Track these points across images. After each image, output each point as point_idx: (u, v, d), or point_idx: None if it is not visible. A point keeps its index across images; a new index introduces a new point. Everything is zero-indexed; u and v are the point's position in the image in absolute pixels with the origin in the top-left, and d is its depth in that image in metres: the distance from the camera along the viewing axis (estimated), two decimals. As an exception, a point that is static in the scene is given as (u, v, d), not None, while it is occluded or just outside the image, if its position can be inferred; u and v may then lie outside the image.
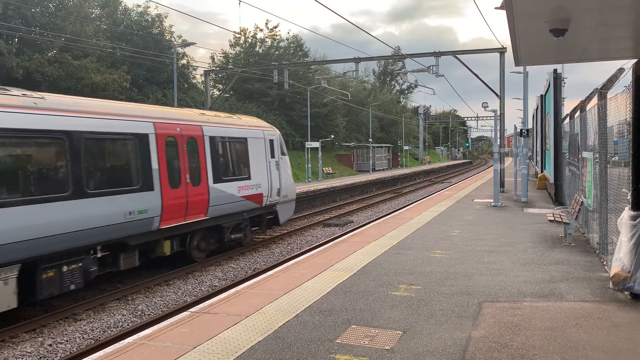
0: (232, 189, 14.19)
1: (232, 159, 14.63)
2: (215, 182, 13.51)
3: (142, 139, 11.37)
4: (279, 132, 17.56)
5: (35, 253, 8.95)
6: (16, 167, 8.96)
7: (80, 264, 9.88)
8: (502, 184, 25.12)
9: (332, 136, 54.29)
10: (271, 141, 16.39)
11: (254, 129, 15.86)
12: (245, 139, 15.19)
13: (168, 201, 11.78)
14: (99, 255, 10.37)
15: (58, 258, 9.45)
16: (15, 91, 9.45)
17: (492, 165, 22.64)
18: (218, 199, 13.55)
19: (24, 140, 9.06)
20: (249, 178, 14.97)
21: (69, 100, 10.54)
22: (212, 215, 13.41)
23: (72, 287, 9.77)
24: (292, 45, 60.80)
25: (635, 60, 7.40)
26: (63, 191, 9.49)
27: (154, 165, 11.55)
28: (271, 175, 16.04)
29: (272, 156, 16.33)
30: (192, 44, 35.04)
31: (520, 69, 30.64)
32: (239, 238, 15.00)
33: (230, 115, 16.42)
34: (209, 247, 13.84)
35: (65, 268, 9.56)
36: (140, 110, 12.03)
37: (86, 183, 9.97)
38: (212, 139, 13.65)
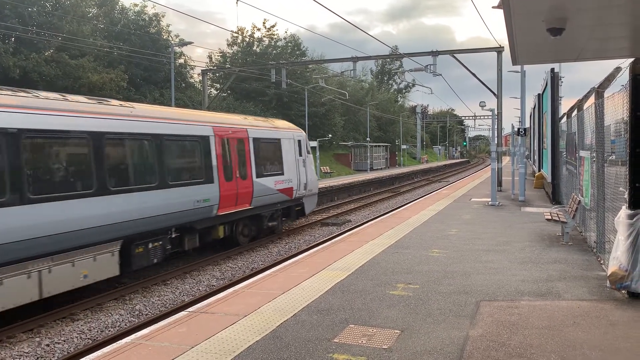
0: (270, 183, 16.33)
1: (269, 157, 16.68)
2: (257, 177, 15.67)
3: (206, 140, 13.64)
4: (304, 133, 19.72)
5: (131, 232, 10.95)
6: (120, 163, 11.14)
7: (160, 242, 11.94)
8: (499, 183, 25.14)
9: (330, 135, 54.31)
10: (299, 141, 18.52)
11: (285, 130, 18.09)
12: (279, 139, 17.29)
13: (224, 192, 13.97)
14: (173, 236, 12.37)
15: (146, 237, 11.46)
16: (114, 102, 11.87)
17: (490, 165, 22.66)
18: (260, 191, 15.69)
19: (125, 141, 11.21)
20: (282, 174, 17.08)
21: (152, 109, 13.14)
22: (255, 205, 15.58)
23: (155, 260, 11.80)
24: (289, 44, 60.82)
25: (632, 59, 7.40)
26: (152, 182, 11.64)
27: (214, 162, 13.75)
28: (299, 172, 18.14)
29: (300, 154, 18.39)
30: (190, 43, 34.97)
31: (518, 68, 30.70)
32: (274, 226, 17.13)
33: (266, 119, 18.92)
34: (250, 233, 15.96)
35: (150, 245, 11.62)
36: (203, 116, 14.48)
37: (167, 176, 12.08)
38: (255, 140, 15.85)
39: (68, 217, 9.48)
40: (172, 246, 12.45)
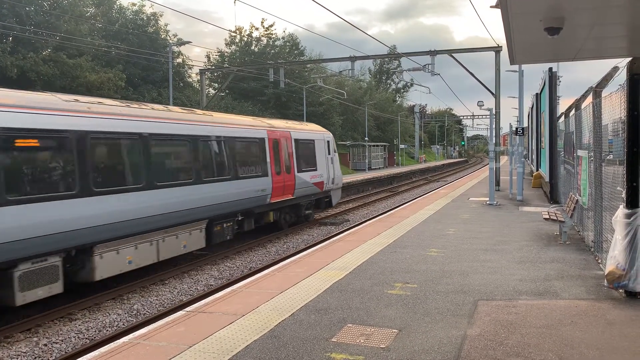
0: (307, 177, 19.07)
1: (306, 155, 19.33)
2: (298, 171, 18.48)
3: (262, 141, 16.53)
4: (332, 135, 22.35)
5: (213, 214, 13.68)
6: (208, 158, 13.96)
7: (231, 223, 14.67)
8: (497, 183, 25.16)
9: (328, 135, 54.19)
10: (328, 142, 21.23)
11: (317, 132, 20.99)
12: (313, 140, 20.06)
13: (275, 184, 16.77)
14: (239, 218, 15.15)
15: (222, 219, 14.16)
16: (198, 111, 15.09)
17: (488, 164, 22.68)
18: (299, 184, 18.42)
19: (209, 142, 14.05)
20: (316, 169, 19.83)
21: (226, 116, 16.63)
22: (296, 195, 18.33)
23: (227, 237, 14.59)
24: (287, 44, 60.77)
25: (629, 58, 7.41)
26: (228, 175, 14.56)
27: (268, 159, 16.59)
28: (328, 168, 20.81)
29: (329, 153, 21.08)
30: (188, 42, 34.93)
31: (516, 67, 30.71)
32: (309, 214, 20.08)
33: (302, 122, 22.28)
34: (291, 219, 18.82)
35: (225, 225, 14.34)
36: (259, 122, 17.61)
37: (238, 170, 14.95)
38: (296, 140, 18.67)
39: (178, 199, 12.39)
40: (238, 227, 15.23)
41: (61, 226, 9.38)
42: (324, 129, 22.17)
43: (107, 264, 10.51)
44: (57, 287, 9.46)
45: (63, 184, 9.69)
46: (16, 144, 8.85)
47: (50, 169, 9.60)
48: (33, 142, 9.22)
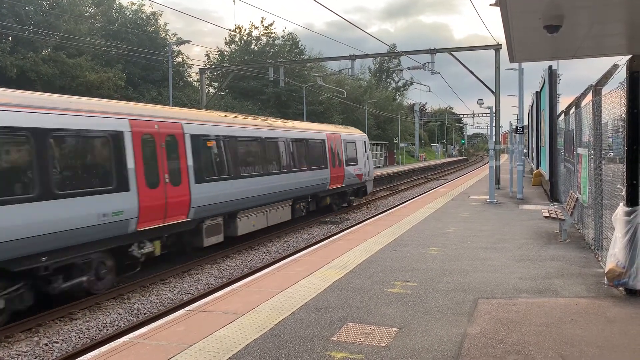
0: (352, 170, 23.74)
1: (351, 153, 23.94)
2: (346, 165, 23.18)
3: (323, 142, 21.39)
4: (367, 136, 27.44)
5: (295, 195, 18.50)
6: (293, 154, 18.51)
7: (304, 203, 19.65)
8: (497, 181, 25.16)
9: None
10: (364, 142, 26.05)
11: (357, 134, 25.92)
12: (355, 140, 24.74)
13: (332, 175, 21.54)
14: (309, 200, 19.99)
15: (299, 200, 19.06)
16: (274, 120, 19.75)
17: (488, 162, 22.68)
18: (347, 175, 23.14)
19: (292, 143, 18.67)
20: (357, 164, 24.38)
21: (301, 123, 22.05)
22: (345, 184, 23.02)
23: (302, 213, 19.59)
24: (287, 42, 60.73)
25: (629, 56, 7.41)
26: (305, 167, 19.27)
27: (327, 155, 21.35)
28: (365, 163, 25.42)
29: (365, 151, 25.80)
30: (187, 41, 34.92)
31: (516, 65, 30.69)
32: (351, 200, 24.70)
33: (346, 126, 27.40)
34: (339, 204, 23.30)
35: (301, 204, 19.36)
36: (321, 126, 23.18)
37: (310, 164, 19.75)
38: (344, 141, 23.49)
39: (278, 184, 17.17)
40: (308, 207, 20.03)
41: (224, 199, 14.20)
42: (361, 132, 27.42)
43: (243, 225, 15.33)
44: (219, 238, 14.21)
45: (227, 171, 14.67)
46: (209, 145, 14.14)
47: (221, 162, 14.51)
48: (210, 143, 14.18)
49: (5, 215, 8.40)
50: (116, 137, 10.77)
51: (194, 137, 13.21)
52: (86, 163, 10.42)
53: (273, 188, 16.76)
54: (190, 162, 12.91)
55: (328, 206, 22.12)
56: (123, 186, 10.77)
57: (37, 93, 10.67)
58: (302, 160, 19.26)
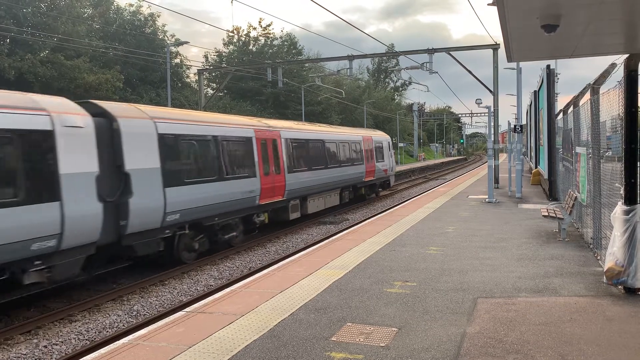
0: (380, 166, 28.64)
1: (380, 151, 29.06)
2: (376, 162, 28.09)
3: (359, 143, 26.04)
4: (390, 138, 32.80)
5: (341, 186, 23.12)
6: (341, 153, 23.41)
7: (348, 192, 24.16)
8: (496, 180, 25.16)
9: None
10: (389, 143, 31.24)
11: (383, 136, 31.23)
12: (382, 141, 29.90)
13: (366, 169, 26.30)
14: (351, 189, 24.65)
15: (345, 189, 23.73)
16: (324, 125, 26.56)
17: (487, 162, 22.70)
18: (377, 170, 28.05)
19: (341, 144, 23.65)
20: (384, 161, 29.40)
21: (346, 129, 27.77)
22: (375, 177, 27.82)
23: (347, 199, 24.23)
24: (285, 43, 60.73)
25: (627, 55, 7.42)
26: (349, 163, 24.04)
27: (362, 153, 26.04)
28: (390, 160, 30.62)
29: (389, 150, 30.97)
30: (185, 42, 34.92)
31: (514, 64, 30.69)
32: (378, 191, 29.51)
33: (374, 130, 32.82)
34: (370, 193, 28.01)
35: (346, 192, 23.95)
36: (358, 130, 28.66)
37: (352, 160, 24.60)
38: (375, 142, 28.42)
39: (333, 175, 22.03)
40: (349, 195, 24.54)
41: (302, 185, 19.17)
42: (386, 134, 32.89)
43: (311, 206, 20.12)
44: (298, 214, 19.10)
45: (304, 165, 19.65)
46: (295, 145, 19.24)
47: (300, 158, 19.37)
48: (295, 145, 19.18)
49: (202, 189, 13.42)
50: (249, 141, 16.06)
51: (287, 141, 18.66)
52: (238, 159, 15.41)
53: (329, 179, 21.68)
54: (285, 158, 18.20)
55: (362, 195, 26.68)
56: (254, 174, 15.96)
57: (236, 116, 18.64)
58: (347, 157, 24.08)
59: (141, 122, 11.81)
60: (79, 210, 9.68)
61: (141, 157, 11.43)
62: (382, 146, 29.70)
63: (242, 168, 15.42)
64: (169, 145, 12.41)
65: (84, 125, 10.11)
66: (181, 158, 12.94)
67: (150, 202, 11.58)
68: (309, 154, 20.16)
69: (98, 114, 10.92)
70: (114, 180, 10.86)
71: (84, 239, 9.92)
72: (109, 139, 10.86)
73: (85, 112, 10.40)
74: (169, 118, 12.86)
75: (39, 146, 9.19)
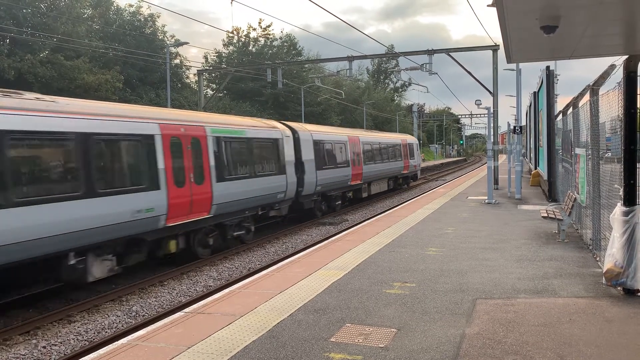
0: (411, 162, 35.21)
1: (411, 151, 35.70)
2: (409, 159, 34.66)
3: (398, 144, 33.22)
4: (417, 139, 40.97)
5: (389, 176, 30.94)
6: (388, 152, 30.96)
7: (393, 181, 32.45)
8: (496, 181, 25.16)
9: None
10: (416, 144, 37.73)
11: (412, 139, 38.18)
12: (413, 143, 36.84)
13: (404, 164, 34.18)
14: (388, 182, 30.82)
15: (390, 179, 31.52)
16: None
17: (486, 163, 22.70)
18: (410, 165, 34.75)
19: (385, 145, 30.66)
20: (414, 158, 36.15)
21: (384, 133, 37.31)
22: (408, 171, 34.79)
23: (390, 187, 31.40)
24: (285, 44, 60.74)
25: (626, 56, 7.42)
26: (394, 159, 31.80)
27: (402, 152, 33.72)
28: (417, 157, 36.91)
29: (417, 150, 37.18)
30: (185, 43, 34.96)
31: (513, 65, 30.71)
32: (409, 182, 36.05)
33: (406, 134, 41.23)
34: (402, 184, 34.64)
35: (392, 181, 31.97)
36: (395, 134, 38.41)
37: (395, 157, 31.96)
38: (407, 143, 35.48)
39: (385, 168, 29.31)
40: (393, 184, 31.45)
41: (369, 173, 26.52)
42: (415, 138, 40.81)
43: (373, 189, 26.94)
44: (366, 194, 26.39)
45: (367, 160, 26.07)
46: (366, 146, 26.72)
47: (366, 155, 25.77)
48: (366, 146, 26.45)
49: (332, 172, 21.55)
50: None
51: (363, 143, 26.07)
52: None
53: (382, 171, 28.53)
54: (361, 155, 25.44)
55: (399, 184, 33.76)
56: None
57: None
58: (392, 155, 31.03)
59: (307, 134, 20.20)
60: (291, 180, 18.09)
61: (306, 153, 19.65)
62: (413, 147, 37.18)
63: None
64: (318, 146, 20.82)
65: (290, 136, 18.73)
66: (321, 154, 20.96)
67: (311, 178, 19.80)
68: (372, 152, 27.46)
69: (291, 129, 19.25)
70: (297, 166, 18.91)
71: (290, 195, 18.26)
72: (296, 143, 19.07)
73: (288, 128, 19.09)
74: (317, 131, 21.80)
75: (276, 147, 17.64)
